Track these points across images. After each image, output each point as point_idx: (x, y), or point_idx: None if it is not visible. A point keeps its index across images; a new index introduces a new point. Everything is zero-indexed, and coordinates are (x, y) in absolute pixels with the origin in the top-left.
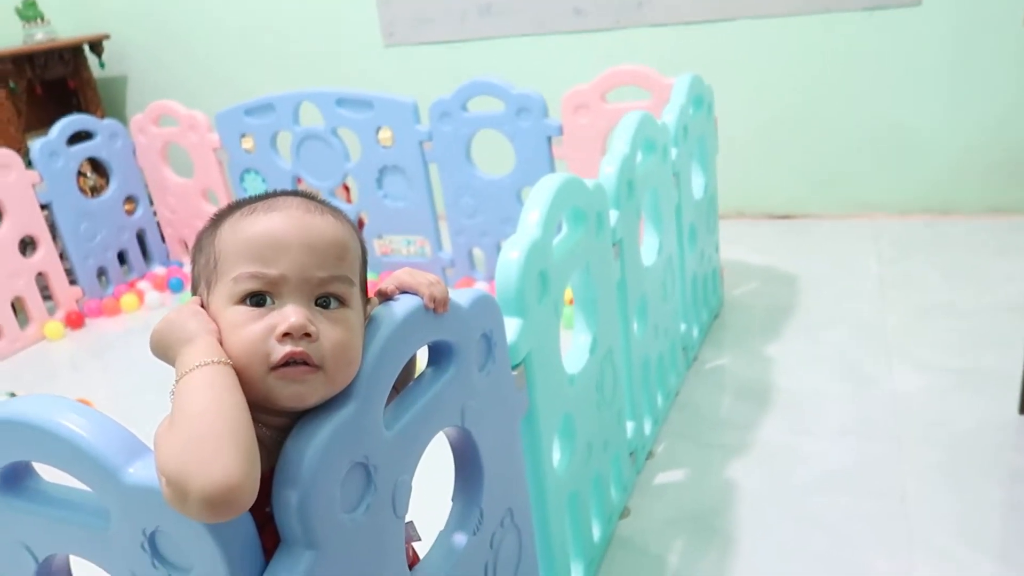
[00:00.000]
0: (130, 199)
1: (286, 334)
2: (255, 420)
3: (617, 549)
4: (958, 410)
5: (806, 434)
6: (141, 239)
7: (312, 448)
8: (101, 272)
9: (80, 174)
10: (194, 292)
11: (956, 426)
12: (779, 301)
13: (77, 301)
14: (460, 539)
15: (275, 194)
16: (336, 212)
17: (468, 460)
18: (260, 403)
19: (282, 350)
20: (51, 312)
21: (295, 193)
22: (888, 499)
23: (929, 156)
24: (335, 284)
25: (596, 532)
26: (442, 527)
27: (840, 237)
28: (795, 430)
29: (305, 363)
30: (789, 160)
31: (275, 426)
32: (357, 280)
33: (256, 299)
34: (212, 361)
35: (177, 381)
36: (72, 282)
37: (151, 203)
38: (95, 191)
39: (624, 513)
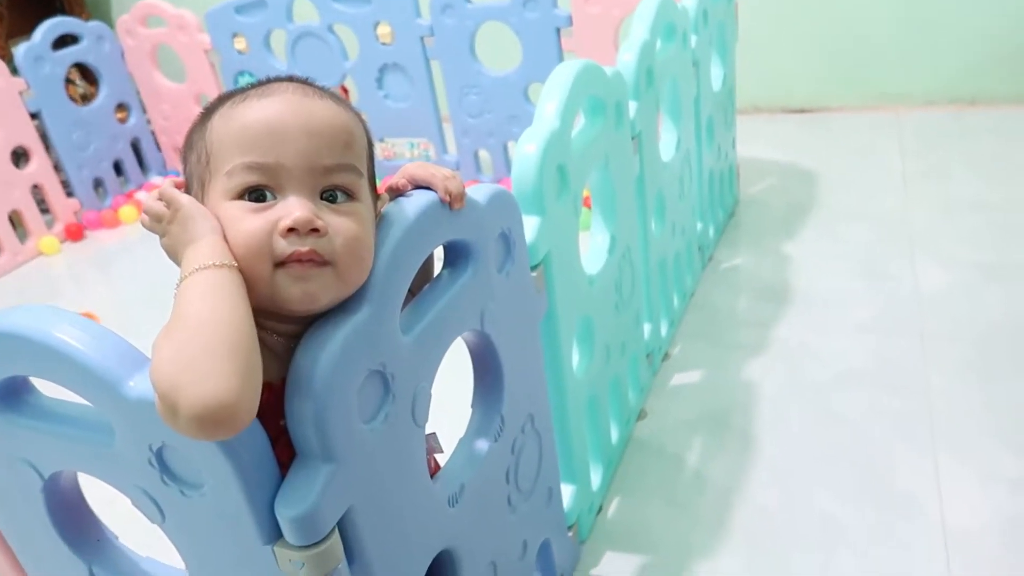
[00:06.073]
0: (122, 107)
1: (291, 230)
2: (264, 327)
3: (635, 451)
4: (984, 306)
5: (826, 333)
6: (136, 148)
7: (326, 355)
8: (98, 183)
9: (69, 82)
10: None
11: (981, 322)
12: (797, 198)
13: (75, 213)
14: (482, 446)
15: (269, 80)
16: (337, 97)
17: (488, 366)
18: (267, 307)
19: (287, 248)
20: (49, 226)
21: (291, 78)
22: (911, 396)
23: (954, 43)
24: (341, 174)
25: (614, 434)
26: (462, 435)
27: (861, 130)
28: (814, 329)
29: (312, 260)
30: (807, 50)
31: (286, 333)
32: (365, 171)
33: (255, 195)
34: (214, 264)
35: (178, 285)
36: (69, 194)
37: (144, 110)
38: (86, 99)
39: (641, 415)
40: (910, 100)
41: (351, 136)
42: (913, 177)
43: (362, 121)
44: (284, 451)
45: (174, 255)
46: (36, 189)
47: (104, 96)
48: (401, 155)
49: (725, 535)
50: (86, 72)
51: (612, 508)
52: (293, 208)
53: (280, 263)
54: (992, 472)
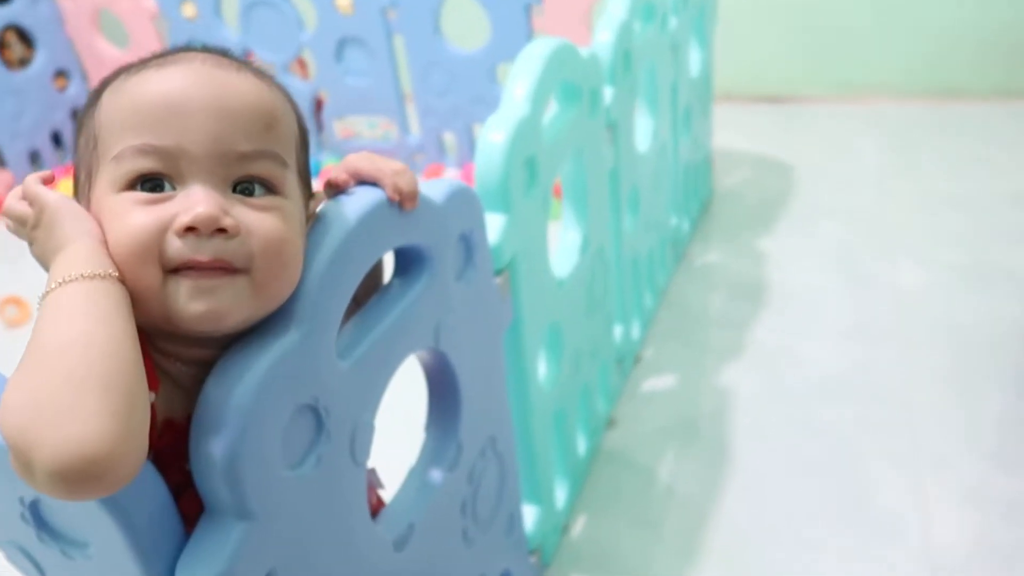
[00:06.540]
0: (61, 74)
1: (190, 228)
2: (164, 352)
3: (603, 463)
4: (965, 307)
5: (804, 335)
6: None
7: (243, 387)
8: (34, 156)
9: (3, 45)
10: (76, 190)
11: (963, 324)
12: (772, 192)
13: (8, 187)
14: (435, 477)
15: (175, 49)
16: (263, 73)
17: (443, 387)
18: (165, 327)
19: (184, 252)
20: None
21: (205, 48)
22: (892, 406)
23: (930, 36)
24: (260, 162)
25: (581, 447)
26: (411, 464)
27: (835, 122)
28: (792, 331)
29: (220, 268)
30: (782, 37)
31: (194, 360)
32: (293, 162)
33: (149, 184)
34: (84, 274)
35: (39, 303)
36: (1, 165)
37: (85, 78)
38: (23, 64)
39: (610, 423)
40: (885, 91)
41: (274, 118)
42: (888, 172)
43: (292, 104)
44: (191, 503)
45: (46, 266)
46: None
47: (41, 62)
48: (360, 135)
49: (697, 556)
50: (22, 35)
51: (578, 527)
52: (195, 201)
53: (174, 270)
54: (977, 489)
